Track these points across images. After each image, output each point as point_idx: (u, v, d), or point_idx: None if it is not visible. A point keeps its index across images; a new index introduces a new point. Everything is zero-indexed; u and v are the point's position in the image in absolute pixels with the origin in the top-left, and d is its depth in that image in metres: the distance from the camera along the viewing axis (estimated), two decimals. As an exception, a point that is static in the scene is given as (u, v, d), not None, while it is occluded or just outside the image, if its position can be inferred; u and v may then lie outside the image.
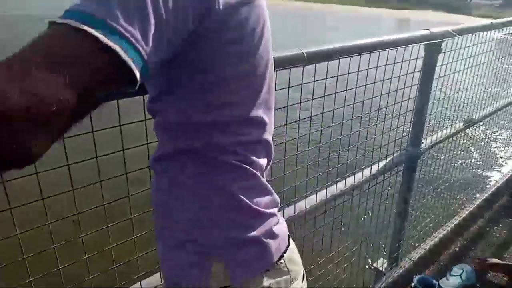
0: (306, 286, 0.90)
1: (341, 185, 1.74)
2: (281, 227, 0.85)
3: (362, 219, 2.28)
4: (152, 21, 0.51)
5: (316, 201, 1.64)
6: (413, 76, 1.89)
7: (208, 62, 0.67)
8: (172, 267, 0.82)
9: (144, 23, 0.51)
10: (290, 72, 1.26)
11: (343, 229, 2.06)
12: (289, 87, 1.30)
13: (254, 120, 0.76)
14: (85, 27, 0.46)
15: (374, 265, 2.50)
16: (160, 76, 0.71)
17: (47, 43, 0.46)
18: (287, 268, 0.83)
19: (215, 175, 0.75)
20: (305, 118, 1.44)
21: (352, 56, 1.46)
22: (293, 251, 0.87)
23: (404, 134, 2.08)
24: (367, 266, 2.47)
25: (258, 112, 0.77)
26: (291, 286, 0.83)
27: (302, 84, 1.34)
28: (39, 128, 0.43)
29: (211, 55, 0.66)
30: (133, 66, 0.49)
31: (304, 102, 1.42)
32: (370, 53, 1.54)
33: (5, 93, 0.40)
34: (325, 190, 1.68)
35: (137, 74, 0.50)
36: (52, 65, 0.44)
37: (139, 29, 0.50)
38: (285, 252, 0.83)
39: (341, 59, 1.41)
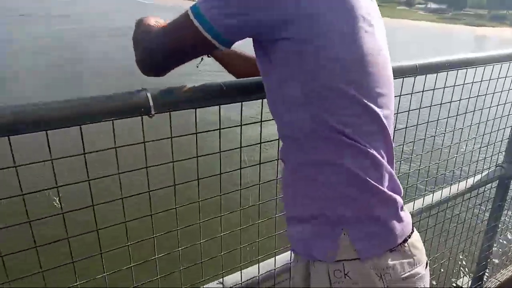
0: (428, 275, 0.96)
1: (437, 196, 1.77)
2: (405, 214, 0.92)
3: (449, 233, 2.26)
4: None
5: (412, 209, 1.68)
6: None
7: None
8: (305, 239, 0.91)
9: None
10: (402, 82, 1.34)
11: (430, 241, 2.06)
12: (400, 95, 1.38)
13: (370, 106, 0.85)
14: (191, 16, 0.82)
15: (458, 283, 2.45)
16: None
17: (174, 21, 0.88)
18: (411, 252, 0.89)
19: (340, 158, 0.84)
20: (411, 126, 1.51)
21: (458, 69, 1.51)
22: (417, 239, 0.94)
23: (500, 150, 2.05)
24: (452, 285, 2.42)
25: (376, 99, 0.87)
26: (414, 269, 0.89)
27: (412, 93, 1.42)
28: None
29: None
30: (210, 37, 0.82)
31: (413, 111, 1.49)
32: (475, 67, 1.58)
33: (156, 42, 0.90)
34: (421, 199, 1.72)
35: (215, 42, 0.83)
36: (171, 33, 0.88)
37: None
38: (409, 237, 0.90)
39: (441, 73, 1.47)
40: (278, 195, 1.37)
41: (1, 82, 10.39)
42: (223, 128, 1.08)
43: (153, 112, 0.92)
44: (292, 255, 1.03)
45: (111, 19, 25.33)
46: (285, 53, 0.82)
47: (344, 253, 0.85)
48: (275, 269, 1.33)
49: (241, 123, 1.12)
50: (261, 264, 1.31)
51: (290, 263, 1.35)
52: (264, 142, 1.20)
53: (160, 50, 0.89)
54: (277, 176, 1.31)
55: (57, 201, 0.95)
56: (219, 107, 1.05)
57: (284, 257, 1.38)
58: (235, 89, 1.04)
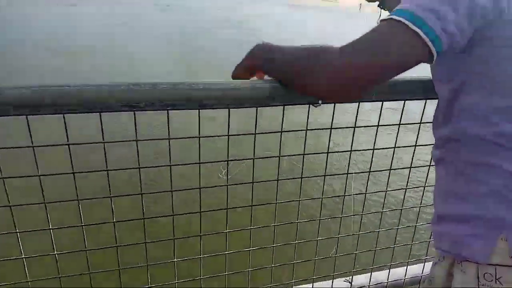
0: None
1: None
2: None
3: None
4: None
5: None
6: None
7: None
8: (456, 238, 0.89)
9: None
10: None
11: None
12: None
13: None
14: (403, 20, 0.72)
15: None
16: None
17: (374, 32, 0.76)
18: None
19: (508, 162, 0.80)
20: None
21: None
22: None
23: None
24: None
25: None
26: None
27: None
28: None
29: None
30: (431, 46, 0.72)
31: None
32: None
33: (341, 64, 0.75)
34: None
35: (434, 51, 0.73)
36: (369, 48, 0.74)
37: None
38: None
39: None
40: (421, 202, 1.32)
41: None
42: (310, 130, 1.08)
43: (320, 102, 0.93)
44: (427, 265, 1.00)
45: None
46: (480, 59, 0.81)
47: (498, 258, 0.82)
48: (404, 279, 1.28)
49: (379, 124, 1.09)
50: (391, 271, 1.27)
51: (421, 276, 1.30)
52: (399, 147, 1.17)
53: (359, 69, 0.74)
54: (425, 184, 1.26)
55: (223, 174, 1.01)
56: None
57: (414, 270, 1.32)
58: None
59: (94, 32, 15.40)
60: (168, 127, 0.98)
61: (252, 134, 1.03)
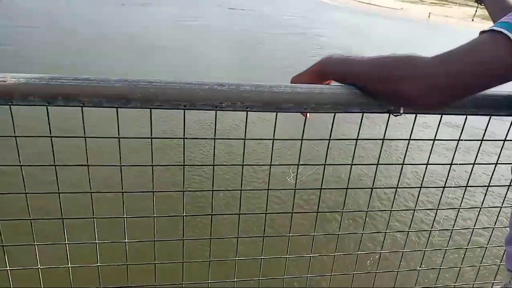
0: None
1: None
2: None
3: None
4: None
5: None
6: None
7: None
8: None
9: None
10: None
11: None
12: None
13: None
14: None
15: None
16: None
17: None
18: None
19: None
20: None
21: None
22: None
23: None
24: None
25: None
26: None
27: None
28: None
29: None
30: None
31: None
32: None
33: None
34: None
35: None
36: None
37: None
38: None
39: None
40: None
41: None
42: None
43: (401, 112, 0.91)
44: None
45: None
46: None
47: None
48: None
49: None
50: None
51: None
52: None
53: (457, 77, 0.73)
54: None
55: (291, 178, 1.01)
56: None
57: None
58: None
59: (164, 32, 16.10)
60: (215, 127, 0.99)
61: (299, 139, 1.02)
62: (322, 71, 0.92)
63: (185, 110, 0.85)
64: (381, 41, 19.11)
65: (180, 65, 11.10)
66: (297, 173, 0.97)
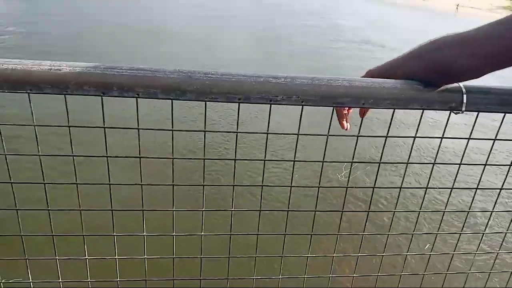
0: None
1: None
2: None
3: None
4: None
5: None
6: None
7: None
8: None
9: None
10: None
11: None
12: None
13: None
14: None
15: None
16: None
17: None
18: None
19: None
20: None
21: None
22: None
23: None
24: None
25: None
26: None
27: None
28: None
29: None
30: None
31: None
32: None
33: None
34: None
35: None
36: None
37: None
38: None
39: None
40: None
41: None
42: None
43: (463, 109, 0.86)
44: None
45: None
46: None
47: None
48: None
49: None
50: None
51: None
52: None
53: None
54: None
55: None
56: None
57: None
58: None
59: (187, 19, 16.10)
60: (269, 121, 0.95)
61: (355, 136, 0.97)
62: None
63: (239, 103, 0.83)
64: (409, 34, 18.70)
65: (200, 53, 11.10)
66: (350, 170, 0.93)
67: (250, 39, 14.10)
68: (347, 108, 0.94)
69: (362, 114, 0.99)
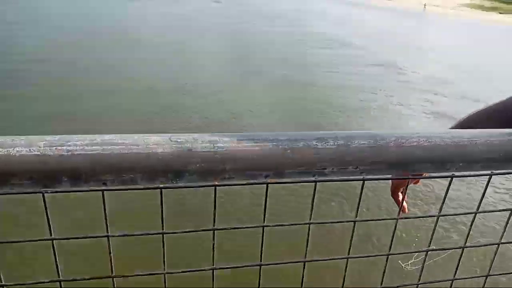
0: None
1: None
2: None
3: None
4: None
5: None
6: None
7: None
8: None
9: None
10: None
11: None
12: None
13: None
14: None
15: None
16: None
17: None
18: None
19: None
20: None
21: None
22: None
23: None
24: None
25: None
26: None
27: None
28: None
29: None
30: None
31: None
32: None
33: None
34: None
35: None
36: None
37: None
38: None
39: None
40: None
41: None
42: None
43: None
44: None
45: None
46: None
47: None
48: None
49: None
50: None
51: None
52: None
53: None
54: None
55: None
56: None
57: None
58: None
59: (159, 26, 15.64)
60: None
61: (434, 215, 0.70)
62: None
63: (268, 185, 0.52)
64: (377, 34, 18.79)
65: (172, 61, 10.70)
66: (425, 260, 0.65)
67: (220, 43, 13.73)
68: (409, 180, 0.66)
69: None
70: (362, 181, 0.55)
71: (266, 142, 0.51)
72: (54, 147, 0.44)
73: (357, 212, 0.61)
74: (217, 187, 0.50)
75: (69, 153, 0.45)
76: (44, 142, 0.45)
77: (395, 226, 0.60)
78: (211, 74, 9.78)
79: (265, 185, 0.52)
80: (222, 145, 0.49)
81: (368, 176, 0.55)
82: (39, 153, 0.44)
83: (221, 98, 7.79)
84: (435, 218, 0.64)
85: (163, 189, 0.49)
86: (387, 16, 30.03)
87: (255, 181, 0.50)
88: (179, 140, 0.49)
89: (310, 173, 0.53)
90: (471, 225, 0.66)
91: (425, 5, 40.30)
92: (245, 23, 18.19)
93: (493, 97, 0.87)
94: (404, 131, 0.56)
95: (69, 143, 0.45)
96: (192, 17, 18.21)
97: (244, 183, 0.51)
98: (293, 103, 7.98)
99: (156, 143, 0.48)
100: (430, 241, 0.62)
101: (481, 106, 0.80)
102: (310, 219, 0.60)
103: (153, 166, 0.47)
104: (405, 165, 0.55)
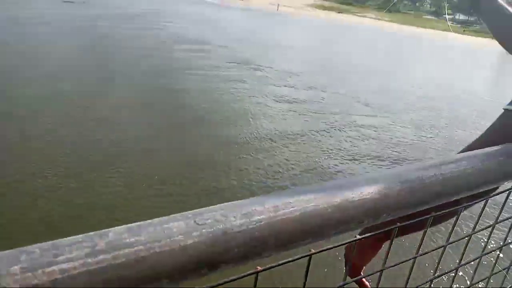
0: None
1: None
2: None
3: None
4: None
5: None
6: None
7: None
8: None
9: None
10: None
11: None
12: None
13: None
14: None
15: None
16: None
17: None
18: None
19: None
20: None
21: None
22: None
23: None
24: None
25: None
26: None
27: None
28: None
29: None
30: None
31: None
32: None
33: None
34: None
35: None
36: None
37: None
38: None
39: None
40: None
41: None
42: None
43: None
44: None
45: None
46: None
47: None
48: None
49: None
50: None
51: None
52: None
53: None
54: None
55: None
56: None
57: None
58: None
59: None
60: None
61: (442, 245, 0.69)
62: None
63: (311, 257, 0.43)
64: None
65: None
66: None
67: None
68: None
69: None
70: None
71: (302, 204, 0.42)
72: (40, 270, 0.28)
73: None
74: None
75: (64, 274, 0.29)
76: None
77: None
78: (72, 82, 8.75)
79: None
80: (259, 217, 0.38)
81: (399, 222, 0.50)
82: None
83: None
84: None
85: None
86: (244, 16, 31.27)
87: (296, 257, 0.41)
88: (188, 214, 0.37)
89: (343, 229, 0.45)
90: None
91: (278, 5, 43.36)
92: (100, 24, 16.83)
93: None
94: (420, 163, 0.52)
95: (62, 257, 0.29)
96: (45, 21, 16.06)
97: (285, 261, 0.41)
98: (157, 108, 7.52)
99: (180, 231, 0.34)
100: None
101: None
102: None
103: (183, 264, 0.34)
104: (426, 203, 0.52)
